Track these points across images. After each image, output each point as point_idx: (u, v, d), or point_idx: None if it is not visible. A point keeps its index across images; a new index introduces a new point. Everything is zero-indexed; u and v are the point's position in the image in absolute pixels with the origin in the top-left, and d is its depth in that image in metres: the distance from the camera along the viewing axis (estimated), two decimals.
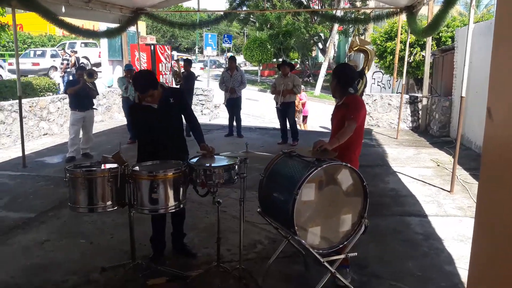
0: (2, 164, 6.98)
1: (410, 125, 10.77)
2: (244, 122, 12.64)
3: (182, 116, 3.68)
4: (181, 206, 3.16)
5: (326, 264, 2.96)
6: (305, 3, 25.62)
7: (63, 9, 7.53)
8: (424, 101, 10.49)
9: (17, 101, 8.97)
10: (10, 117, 8.42)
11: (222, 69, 38.06)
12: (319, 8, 23.71)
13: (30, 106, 8.95)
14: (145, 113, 3.48)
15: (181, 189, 3.11)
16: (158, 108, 3.49)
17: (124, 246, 3.85)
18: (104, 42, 13.18)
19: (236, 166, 3.18)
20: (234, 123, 9.40)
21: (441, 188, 5.81)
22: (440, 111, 9.67)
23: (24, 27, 28.60)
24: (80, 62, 18.95)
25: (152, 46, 12.32)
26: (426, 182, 6.10)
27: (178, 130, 3.65)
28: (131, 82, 8.48)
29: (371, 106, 10.99)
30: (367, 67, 7.87)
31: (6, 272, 3.59)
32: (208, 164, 3.16)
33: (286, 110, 8.48)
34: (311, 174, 2.80)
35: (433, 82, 11.81)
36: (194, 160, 3.32)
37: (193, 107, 12.87)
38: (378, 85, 20.30)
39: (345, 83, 3.42)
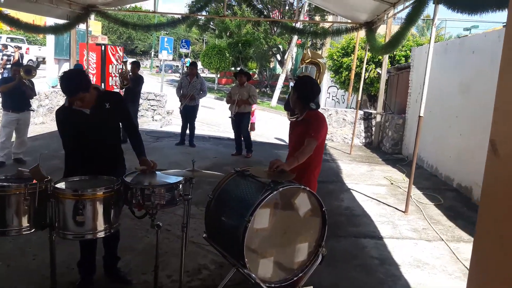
0: None
1: (364, 141, 10.79)
2: (198, 131, 12.17)
3: (120, 124, 3.22)
4: (112, 230, 2.70)
5: None
6: (265, 13, 25.70)
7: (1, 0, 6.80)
8: (378, 118, 10.55)
9: None
10: None
11: (178, 74, 37.35)
12: (280, 18, 23.79)
13: None
14: (75, 118, 2.95)
15: (113, 211, 2.67)
16: (90, 113, 2.98)
17: (46, 270, 3.31)
18: (50, 39, 12.29)
19: (180, 185, 2.78)
20: (187, 132, 8.93)
21: (395, 208, 5.68)
22: (394, 128, 9.74)
23: None
24: (29, 60, 17.69)
25: (103, 46, 11.60)
26: (380, 201, 5.97)
27: (113, 139, 3.17)
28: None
29: (326, 121, 10.90)
30: (318, 80, 7.73)
31: None
32: (147, 183, 2.75)
33: (241, 120, 8.17)
34: (266, 198, 2.47)
35: (387, 99, 11.97)
36: (131, 177, 2.88)
37: (144, 112, 12.26)
38: (332, 99, 20.56)
39: (307, 97, 3.14)
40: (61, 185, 2.65)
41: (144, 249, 4.05)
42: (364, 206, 5.69)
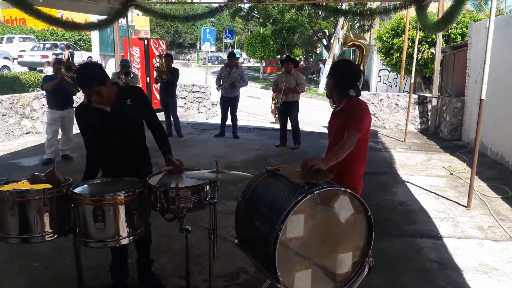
0: None
1: (419, 127, 10.05)
2: (243, 121, 12.00)
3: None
4: (136, 236, 2.51)
5: None
6: None
7: None
8: (434, 102, 9.76)
9: None
10: None
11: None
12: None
13: (10, 103, 8.34)
14: (95, 116, 2.78)
15: (136, 215, 2.46)
16: (111, 111, 2.79)
17: (84, 272, 3.20)
18: (95, 36, 12.54)
19: (207, 187, 2.52)
20: (229, 123, 8.71)
21: (456, 203, 5.12)
22: (452, 112, 8.95)
23: (26, 22, 28.11)
24: (88, 57, 18.28)
25: (145, 40, 11.65)
26: (439, 195, 5.41)
27: (136, 137, 2.96)
28: (122, 80, 7.84)
29: (377, 106, 10.29)
30: (362, 64, 7.17)
31: None
32: (172, 185, 2.52)
33: (288, 110, 7.79)
34: (299, 203, 2.14)
35: (443, 81, 11.08)
36: (157, 178, 2.66)
37: (190, 105, 12.24)
38: (384, 83, 19.61)
39: (345, 84, 2.76)
40: (80, 189, 2.47)
41: (181, 250, 3.85)
42: (420, 201, 5.18)
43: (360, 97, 2.84)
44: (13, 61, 19.02)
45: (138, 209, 2.49)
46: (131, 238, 2.48)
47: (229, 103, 8.50)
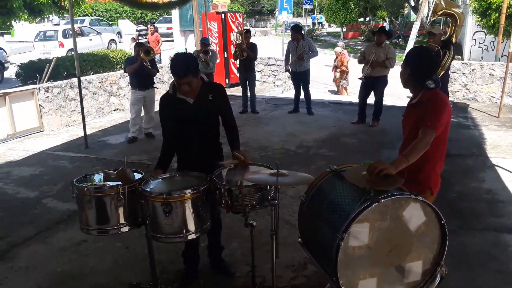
0: (68, 144, 7.04)
1: None
2: (320, 94, 11.72)
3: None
4: (203, 232, 2.60)
5: None
6: None
7: None
8: None
9: (88, 76, 9.10)
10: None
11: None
12: None
13: (99, 82, 8.99)
14: (178, 107, 2.90)
15: (202, 211, 2.54)
16: (194, 103, 2.91)
17: (160, 255, 3.43)
18: (175, 12, 12.86)
19: (269, 186, 2.51)
20: (303, 98, 8.54)
21: None
22: None
23: None
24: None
25: (222, 15, 11.70)
26: None
27: (214, 131, 3.07)
28: (201, 58, 7.97)
29: (468, 77, 9.38)
30: (454, 35, 6.45)
31: (34, 280, 3.38)
32: (237, 182, 2.54)
33: (373, 84, 7.37)
34: (364, 211, 2.03)
35: None
36: (223, 173, 2.71)
37: (266, 78, 12.19)
38: (479, 47, 17.74)
39: (422, 74, 2.51)
40: (150, 185, 2.59)
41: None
42: (511, 189, 4.70)
43: (439, 88, 2.57)
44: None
45: (204, 205, 2.56)
46: (198, 233, 2.57)
47: (299, 77, 8.30)
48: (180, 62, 2.80)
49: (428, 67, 2.55)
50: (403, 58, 2.63)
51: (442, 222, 2.17)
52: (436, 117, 2.39)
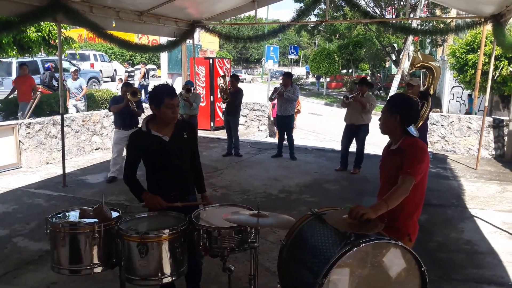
0: (45, 182, 6.87)
1: (493, 152, 9.27)
2: (303, 140, 11.87)
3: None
4: (179, 275, 2.51)
5: None
6: (378, 13, 24.31)
7: (114, 23, 7.31)
8: (511, 126, 8.97)
9: (71, 114, 9.06)
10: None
11: None
12: (393, 17, 22.20)
13: (83, 120, 8.94)
14: (153, 144, 2.86)
15: (178, 253, 2.46)
16: (169, 141, 2.89)
17: None
18: (164, 55, 13.14)
19: (249, 228, 2.47)
20: (285, 143, 8.64)
21: None
22: None
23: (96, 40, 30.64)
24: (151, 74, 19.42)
25: (210, 60, 11.99)
26: None
27: (188, 169, 3.06)
28: (183, 96, 8.04)
29: (447, 129, 9.66)
30: (432, 87, 6.74)
31: None
32: (215, 224, 2.49)
33: (356, 133, 7.50)
34: (344, 256, 2.01)
35: None
36: (202, 214, 2.67)
37: (250, 123, 12.35)
38: (457, 101, 18.45)
39: (411, 120, 2.58)
40: (127, 224, 2.52)
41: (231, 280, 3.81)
42: (490, 240, 4.72)
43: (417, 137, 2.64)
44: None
45: (182, 247, 2.49)
46: (174, 277, 2.48)
47: (283, 122, 8.44)
48: (167, 85, 2.93)
49: (416, 113, 2.65)
50: (387, 105, 2.68)
51: (422, 269, 2.16)
52: (416, 165, 2.44)
